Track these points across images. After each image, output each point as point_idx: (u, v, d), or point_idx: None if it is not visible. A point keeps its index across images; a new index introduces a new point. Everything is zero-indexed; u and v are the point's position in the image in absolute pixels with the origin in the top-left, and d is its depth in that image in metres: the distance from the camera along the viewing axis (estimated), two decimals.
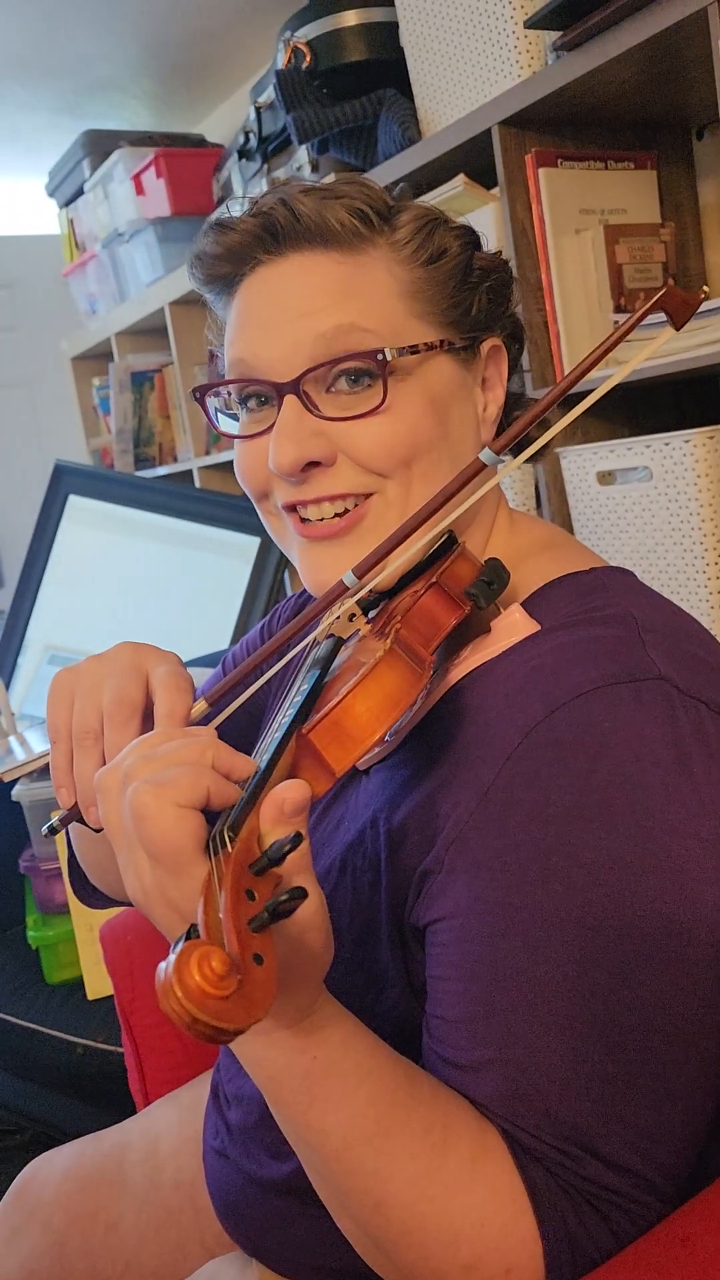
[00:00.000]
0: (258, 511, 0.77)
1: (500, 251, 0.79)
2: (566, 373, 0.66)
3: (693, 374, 1.41)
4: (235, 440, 0.75)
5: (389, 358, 0.68)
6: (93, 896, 0.93)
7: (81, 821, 0.70)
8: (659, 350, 1.41)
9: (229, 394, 0.76)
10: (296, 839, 0.48)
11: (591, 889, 0.60)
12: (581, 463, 1.49)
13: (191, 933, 0.46)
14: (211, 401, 0.78)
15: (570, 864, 0.60)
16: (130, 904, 0.90)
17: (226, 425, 0.78)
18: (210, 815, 0.56)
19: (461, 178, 1.55)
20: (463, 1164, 0.59)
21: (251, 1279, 0.81)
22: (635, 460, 1.40)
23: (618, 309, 1.50)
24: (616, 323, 1.48)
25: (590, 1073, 0.59)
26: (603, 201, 1.53)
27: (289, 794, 0.54)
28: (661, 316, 0.65)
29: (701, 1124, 0.62)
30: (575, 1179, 0.59)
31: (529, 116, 1.44)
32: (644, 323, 0.64)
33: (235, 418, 0.77)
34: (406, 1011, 0.68)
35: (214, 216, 0.75)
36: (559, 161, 1.48)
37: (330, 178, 1.41)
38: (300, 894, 0.45)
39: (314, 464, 0.70)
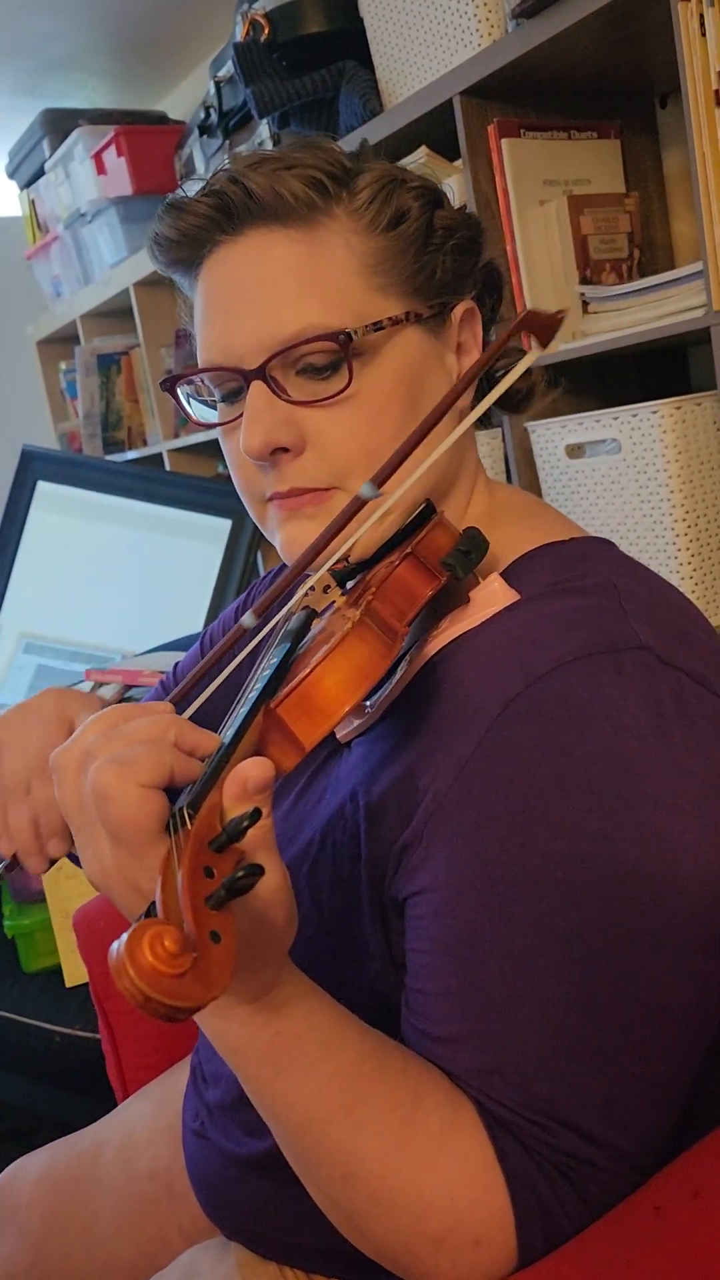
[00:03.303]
0: (246, 506, 0.76)
1: (465, 206, 0.78)
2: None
3: (659, 345, 1.40)
4: (219, 430, 0.75)
5: (352, 338, 0.67)
6: None
7: (21, 868, 0.71)
8: (620, 324, 1.40)
9: (200, 381, 0.75)
10: (255, 814, 0.47)
11: (571, 861, 0.59)
12: (550, 436, 1.48)
13: (150, 911, 0.45)
14: (183, 389, 0.77)
15: (549, 836, 0.59)
16: None
17: (201, 413, 0.77)
18: (174, 793, 0.55)
19: (424, 149, 1.53)
20: (432, 1137, 0.58)
21: (230, 1263, 0.81)
22: (604, 433, 1.40)
23: (583, 280, 1.49)
24: (582, 295, 1.48)
25: (567, 1045, 0.59)
26: (567, 172, 1.51)
27: (252, 771, 0.53)
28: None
29: (678, 1095, 0.62)
30: (549, 1151, 0.59)
31: (490, 86, 1.43)
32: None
33: (209, 404, 0.76)
34: (388, 985, 0.68)
35: (169, 198, 0.73)
36: (521, 131, 1.47)
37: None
38: (257, 870, 0.44)
39: (283, 449, 0.69)
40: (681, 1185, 0.57)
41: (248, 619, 0.66)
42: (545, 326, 0.67)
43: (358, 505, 0.64)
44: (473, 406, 0.70)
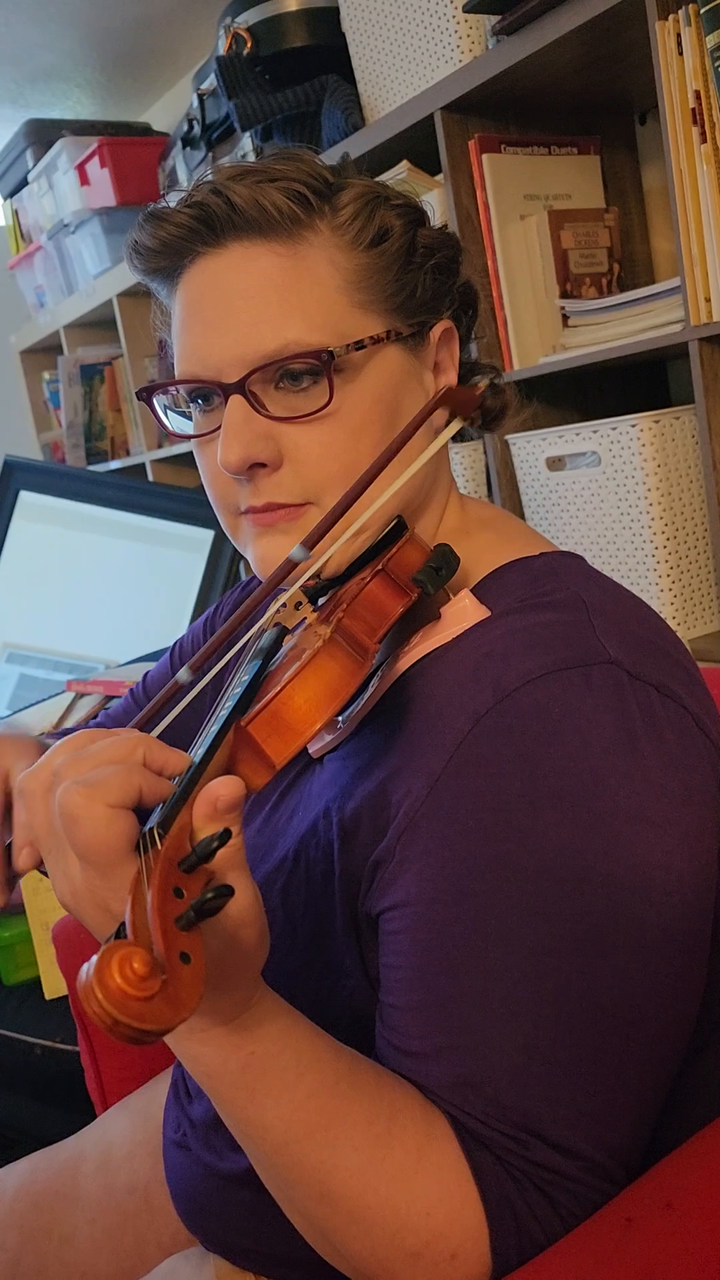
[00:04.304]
0: (218, 515, 0.76)
1: (446, 225, 0.78)
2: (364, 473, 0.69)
3: (639, 359, 1.41)
4: (194, 442, 0.74)
5: (334, 356, 0.67)
6: None
7: None
8: (600, 338, 1.41)
9: (178, 392, 0.75)
10: (225, 835, 0.47)
11: (542, 876, 0.59)
12: (531, 449, 1.49)
13: (120, 932, 0.45)
14: (160, 399, 0.77)
15: (521, 851, 0.60)
16: None
17: (178, 424, 0.77)
18: (145, 814, 0.55)
19: (405, 164, 1.54)
20: (408, 1153, 0.58)
21: (209, 1274, 0.81)
22: (584, 445, 1.41)
23: (563, 294, 1.50)
24: (562, 308, 1.49)
25: (540, 1058, 0.59)
26: (547, 187, 1.53)
27: (222, 790, 0.53)
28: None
29: (653, 1106, 0.62)
30: (523, 1164, 0.59)
31: (471, 102, 1.44)
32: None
33: (186, 415, 0.76)
34: (363, 1002, 0.68)
35: (150, 207, 0.73)
36: (502, 147, 1.48)
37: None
38: (226, 891, 0.44)
39: (260, 465, 0.69)
40: (653, 1196, 0.58)
41: (183, 674, 0.67)
42: (466, 402, 0.71)
43: (288, 568, 0.67)
44: (444, 428, 0.70)
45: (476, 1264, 0.58)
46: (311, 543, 0.66)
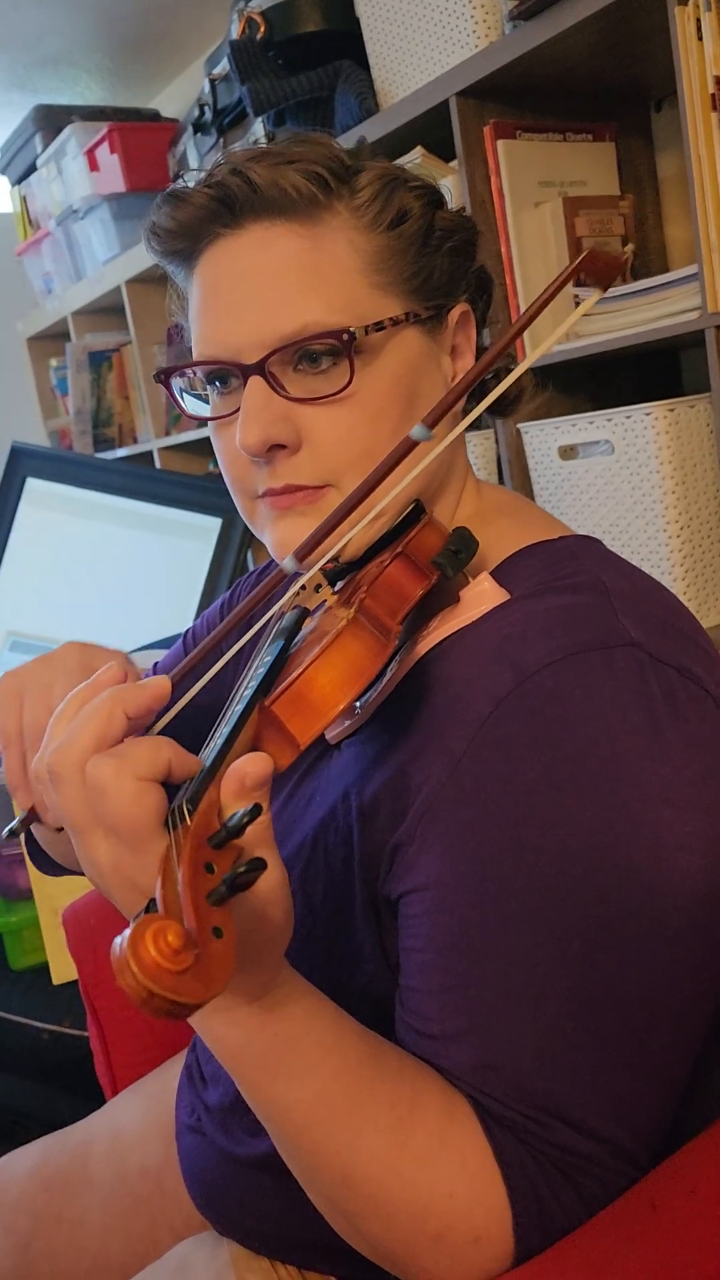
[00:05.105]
0: (234, 499, 0.76)
1: (464, 208, 0.77)
2: (494, 343, 0.66)
3: (652, 347, 1.40)
4: (211, 425, 0.74)
5: (355, 337, 0.67)
6: (49, 865, 0.92)
7: (40, 821, 0.70)
8: (614, 325, 1.41)
9: (194, 374, 0.74)
10: (255, 810, 0.47)
11: (564, 859, 0.59)
12: (543, 437, 1.48)
13: (150, 908, 0.45)
14: (176, 382, 0.76)
15: (542, 834, 0.59)
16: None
17: (194, 407, 0.77)
18: (173, 792, 0.55)
19: (419, 149, 1.53)
20: (430, 1136, 0.58)
21: (223, 1258, 0.81)
22: (597, 434, 1.40)
23: (578, 282, 1.49)
24: (576, 296, 1.48)
25: (563, 1041, 0.59)
26: (562, 174, 1.52)
27: (250, 767, 0.53)
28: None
29: (675, 1089, 0.62)
30: (545, 1146, 0.59)
31: (486, 87, 1.43)
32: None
33: (202, 399, 0.75)
34: (383, 987, 0.68)
35: (168, 188, 0.73)
36: (517, 133, 1.47)
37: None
38: (259, 865, 0.44)
39: (280, 446, 0.69)
40: (678, 1182, 0.57)
41: (289, 563, 0.67)
42: (609, 267, 0.67)
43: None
44: (465, 411, 0.70)
45: (499, 1246, 0.58)
46: (302, 555, 0.66)
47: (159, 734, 0.59)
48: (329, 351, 0.68)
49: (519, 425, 1.51)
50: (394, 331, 0.69)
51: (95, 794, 0.53)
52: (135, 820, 0.52)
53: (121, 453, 2.78)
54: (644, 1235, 0.55)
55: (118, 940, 0.42)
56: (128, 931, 0.42)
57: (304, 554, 0.66)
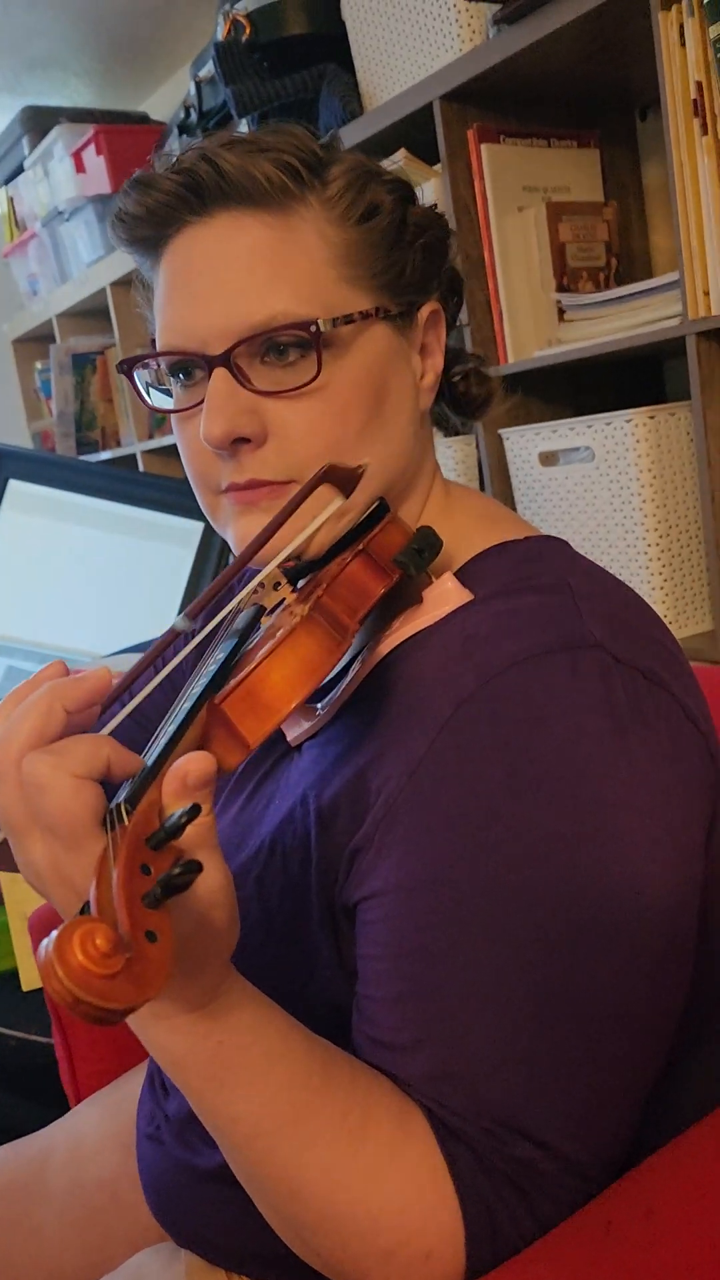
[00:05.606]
0: (197, 494, 0.74)
1: (436, 205, 0.76)
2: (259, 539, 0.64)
3: (635, 354, 1.40)
4: (174, 419, 0.72)
5: (322, 329, 0.66)
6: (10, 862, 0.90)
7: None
8: (595, 332, 1.40)
9: (159, 366, 0.73)
10: (194, 810, 0.46)
11: (525, 864, 0.58)
12: (524, 443, 1.47)
13: (84, 910, 0.44)
14: (141, 375, 0.75)
15: (503, 838, 0.58)
16: None
17: (159, 400, 0.75)
18: (113, 791, 0.53)
19: (403, 153, 1.53)
20: (381, 1149, 0.57)
21: (179, 1270, 0.79)
22: (577, 440, 1.39)
23: (560, 288, 1.49)
24: (559, 302, 1.47)
25: (521, 1052, 0.58)
26: (545, 179, 1.51)
27: (192, 765, 0.51)
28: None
29: (634, 1105, 0.61)
30: (500, 1159, 0.57)
31: (470, 91, 1.42)
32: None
33: (167, 392, 0.74)
34: (339, 994, 0.66)
35: (137, 173, 0.71)
36: (501, 137, 1.47)
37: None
38: (195, 867, 0.43)
39: (244, 440, 0.67)
40: (634, 1202, 0.56)
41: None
42: (348, 478, 0.66)
43: (172, 637, 0.63)
44: (434, 407, 0.69)
45: (451, 1264, 0.56)
46: (193, 614, 0.63)
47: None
48: (296, 343, 0.66)
49: (499, 431, 1.50)
50: (363, 326, 0.68)
51: (32, 790, 0.51)
52: (72, 818, 0.50)
53: (104, 456, 2.77)
54: (599, 1255, 0.53)
55: (44, 942, 0.40)
56: (55, 934, 0.40)
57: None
